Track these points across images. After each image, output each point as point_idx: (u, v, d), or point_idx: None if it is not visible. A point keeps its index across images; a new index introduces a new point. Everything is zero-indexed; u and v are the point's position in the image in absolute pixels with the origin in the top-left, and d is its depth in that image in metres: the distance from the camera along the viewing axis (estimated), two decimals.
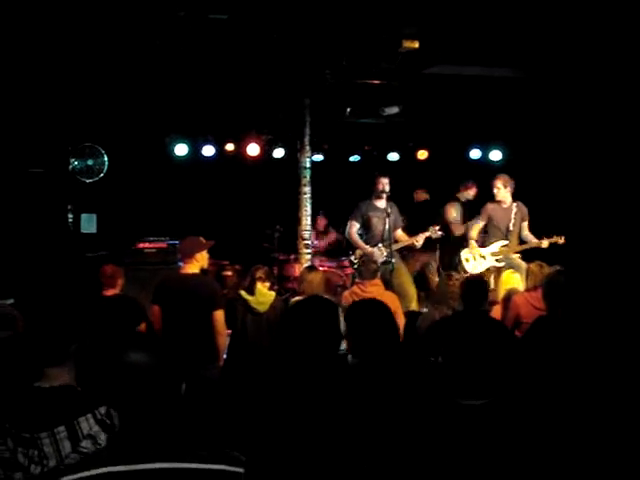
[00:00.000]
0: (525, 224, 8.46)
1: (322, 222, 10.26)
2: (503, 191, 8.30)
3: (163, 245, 8.70)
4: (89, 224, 9.15)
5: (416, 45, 5.07)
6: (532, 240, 8.26)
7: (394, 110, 7.50)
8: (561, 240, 8.04)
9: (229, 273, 9.41)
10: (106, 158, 8.85)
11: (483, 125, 9.96)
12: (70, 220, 8.99)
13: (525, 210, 8.46)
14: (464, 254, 8.54)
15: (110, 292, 5.74)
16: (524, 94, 8.17)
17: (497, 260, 8.33)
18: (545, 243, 8.06)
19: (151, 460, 1.96)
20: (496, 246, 8.38)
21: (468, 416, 2.39)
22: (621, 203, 3.02)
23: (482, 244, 8.52)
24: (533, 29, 5.90)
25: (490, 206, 8.47)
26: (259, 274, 5.86)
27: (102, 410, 2.71)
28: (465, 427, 2.37)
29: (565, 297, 4.70)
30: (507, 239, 8.37)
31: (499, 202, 8.38)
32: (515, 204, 8.35)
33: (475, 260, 8.35)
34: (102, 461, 1.97)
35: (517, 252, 8.29)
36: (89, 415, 2.69)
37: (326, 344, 2.87)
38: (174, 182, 10.08)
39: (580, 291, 3.03)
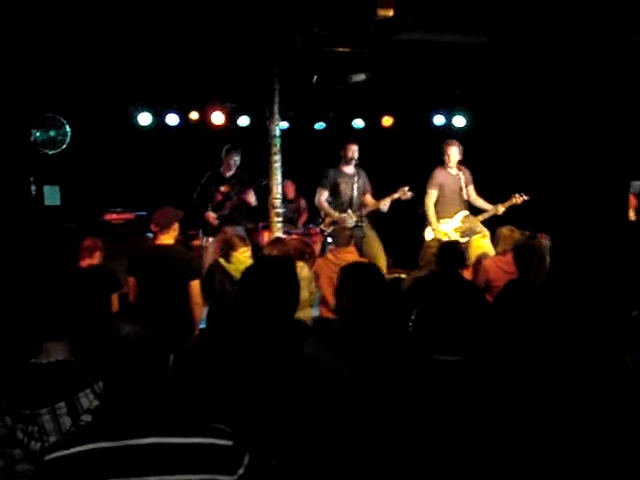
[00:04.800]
0: (471, 188, 8.08)
1: (291, 189, 10.23)
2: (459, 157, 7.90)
3: (131, 216, 8.64)
4: (53, 196, 8.99)
5: (390, 13, 5.04)
6: (486, 206, 7.87)
7: (361, 77, 7.46)
8: (519, 200, 7.63)
9: (197, 243, 9.38)
10: (69, 129, 8.67)
11: (447, 91, 10.00)
12: (33, 193, 8.82)
13: (468, 173, 8.07)
14: (428, 236, 7.94)
15: (86, 263, 5.67)
16: (487, 60, 8.22)
17: (461, 236, 7.80)
18: (501, 209, 7.70)
19: (138, 435, 1.93)
20: (457, 220, 7.97)
21: (442, 371, 2.50)
22: (594, 170, 3.07)
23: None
24: None
25: (439, 173, 7.98)
26: (234, 241, 5.89)
27: (101, 385, 2.73)
28: (439, 381, 2.48)
29: (539, 262, 4.85)
30: (462, 208, 7.94)
31: (446, 168, 7.95)
32: (460, 169, 7.95)
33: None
34: (88, 437, 1.94)
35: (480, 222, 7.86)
36: (88, 390, 2.70)
37: (281, 305, 2.82)
38: (138, 152, 9.96)
39: (563, 258, 3.12)
